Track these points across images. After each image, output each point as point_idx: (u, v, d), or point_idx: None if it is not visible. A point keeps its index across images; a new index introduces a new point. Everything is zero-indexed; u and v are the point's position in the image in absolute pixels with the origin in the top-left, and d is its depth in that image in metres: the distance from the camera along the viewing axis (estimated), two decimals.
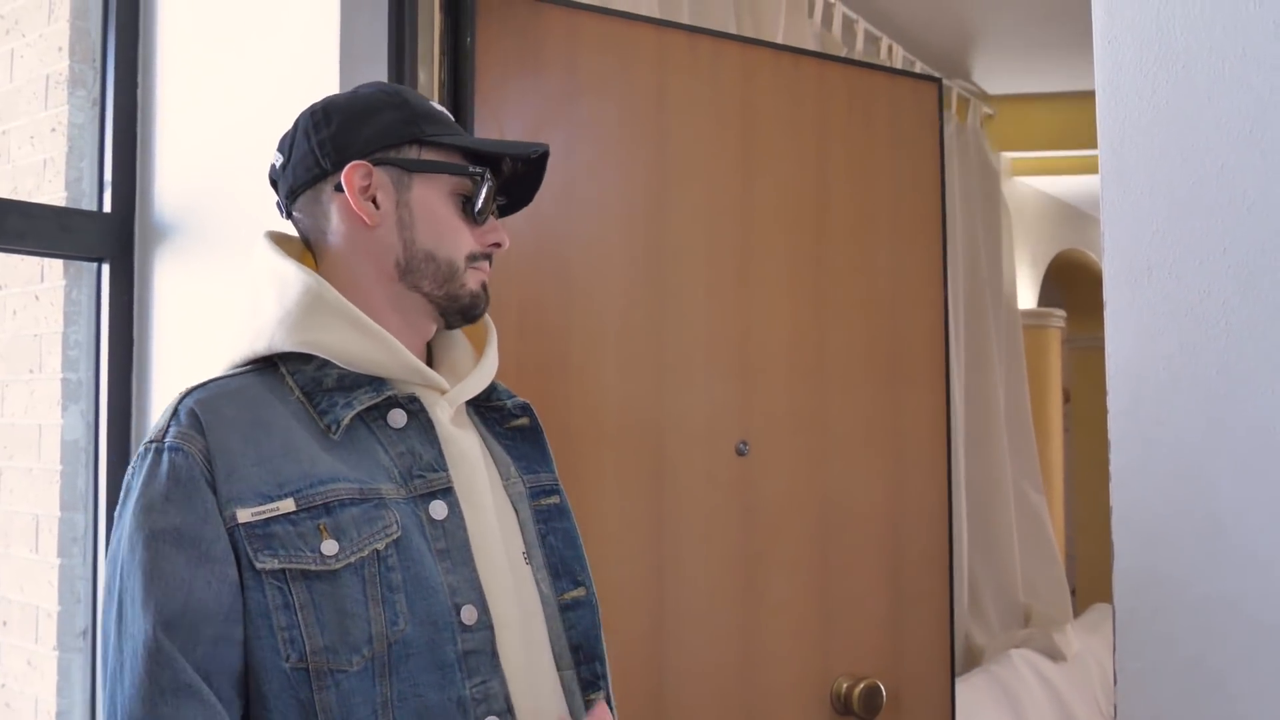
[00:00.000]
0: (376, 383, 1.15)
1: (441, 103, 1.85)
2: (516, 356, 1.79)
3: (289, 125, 1.24)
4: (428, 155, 1.20)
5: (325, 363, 1.14)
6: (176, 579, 1.01)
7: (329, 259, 1.21)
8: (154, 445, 1.07)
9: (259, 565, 1.03)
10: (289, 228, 1.28)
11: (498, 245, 1.24)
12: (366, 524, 1.07)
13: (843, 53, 3.44)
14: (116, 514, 1.08)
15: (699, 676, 1.99)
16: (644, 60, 2.01)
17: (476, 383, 1.24)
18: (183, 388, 1.13)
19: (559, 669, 1.20)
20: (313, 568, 1.04)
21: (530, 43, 1.90)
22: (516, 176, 1.29)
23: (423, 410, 1.17)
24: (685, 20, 2.61)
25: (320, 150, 1.19)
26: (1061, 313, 5.34)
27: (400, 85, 1.26)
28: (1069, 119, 4.42)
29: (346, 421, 1.12)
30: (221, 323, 1.86)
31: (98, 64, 1.98)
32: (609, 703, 1.22)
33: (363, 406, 1.13)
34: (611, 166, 1.96)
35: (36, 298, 2.01)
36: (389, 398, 1.15)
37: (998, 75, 4.36)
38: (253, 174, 1.84)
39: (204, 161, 1.91)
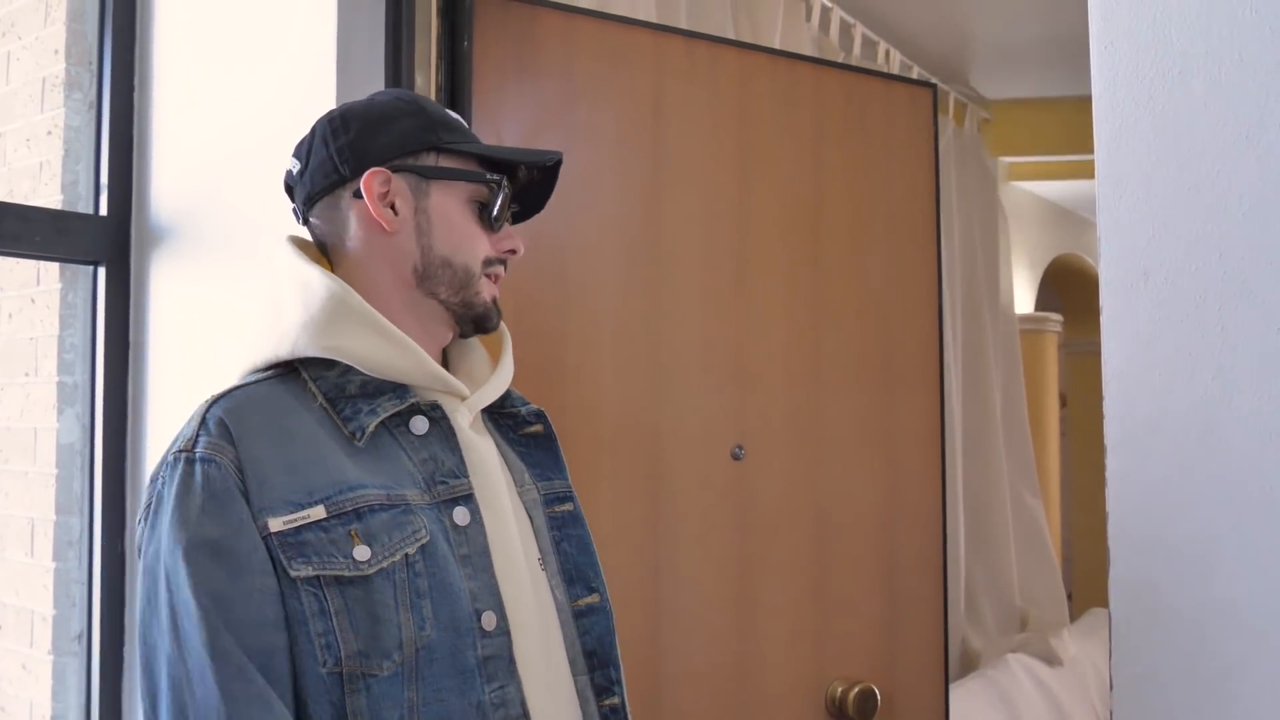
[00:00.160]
0: (399, 389, 1.16)
1: None
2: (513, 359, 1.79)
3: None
4: (445, 162, 1.21)
5: (348, 369, 1.15)
6: (221, 592, 1.02)
7: (346, 265, 1.21)
8: (184, 455, 1.08)
9: (293, 573, 1.04)
10: (294, 231, 1.28)
11: (513, 251, 1.25)
12: (396, 529, 1.08)
13: (840, 57, 3.44)
14: (147, 522, 1.08)
15: (694, 680, 1.99)
16: (640, 65, 2.01)
17: (494, 390, 1.25)
18: (208, 395, 1.14)
19: (574, 674, 1.21)
20: (346, 573, 1.05)
21: (527, 47, 1.90)
22: (530, 183, 1.30)
23: (444, 417, 1.17)
24: (683, 24, 2.61)
25: (339, 157, 1.19)
26: (1058, 317, 5.35)
27: (415, 93, 1.26)
28: (1066, 124, 4.43)
29: (371, 428, 1.13)
30: (218, 326, 1.86)
31: (94, 67, 1.98)
32: (624, 709, 1.23)
33: (387, 414, 1.14)
34: (608, 170, 1.96)
35: (32, 301, 2.00)
36: (412, 404, 1.16)
37: (995, 80, 4.37)
38: (249, 177, 1.84)
39: (200, 165, 1.91)
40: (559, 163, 1.27)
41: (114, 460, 1.92)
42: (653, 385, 1.98)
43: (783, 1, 3.05)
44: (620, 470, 1.94)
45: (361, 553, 1.06)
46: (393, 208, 1.19)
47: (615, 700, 1.22)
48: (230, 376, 1.20)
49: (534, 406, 1.30)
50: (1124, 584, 1.30)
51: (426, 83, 1.88)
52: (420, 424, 1.16)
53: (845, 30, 3.51)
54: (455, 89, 1.84)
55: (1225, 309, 1.24)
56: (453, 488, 1.15)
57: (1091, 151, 1.35)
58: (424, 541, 1.09)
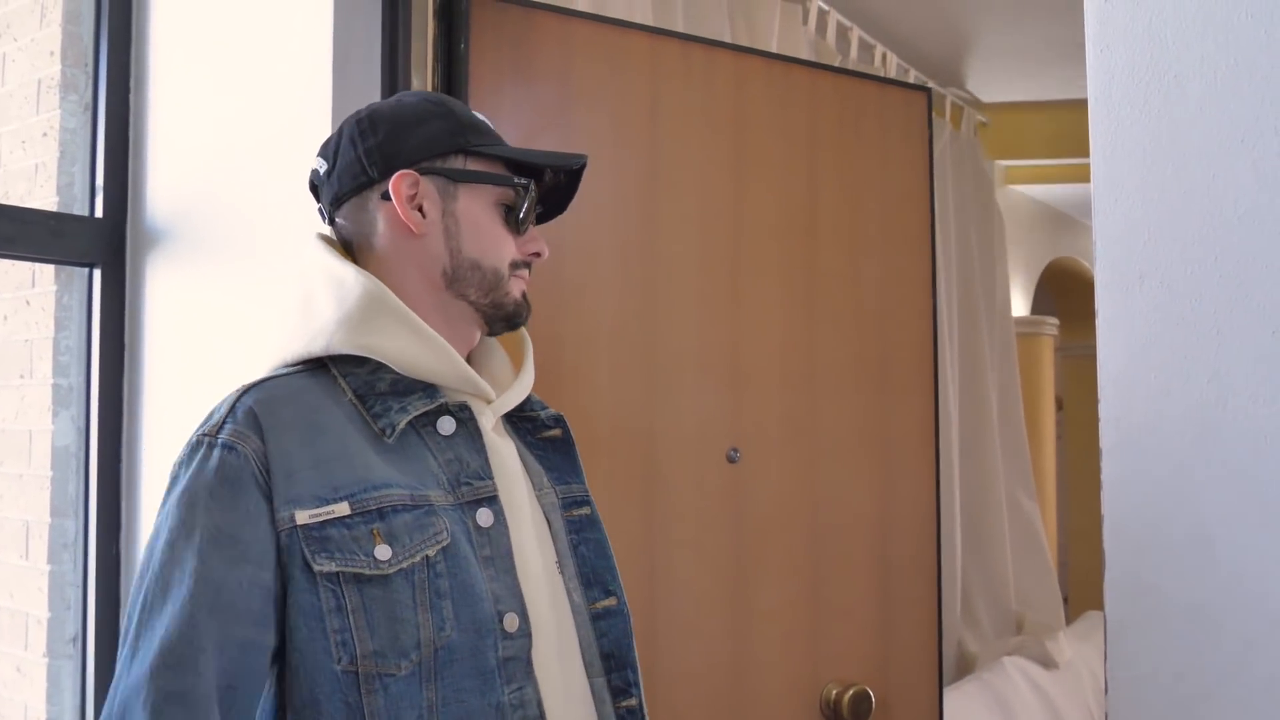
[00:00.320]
0: (429, 389, 1.17)
1: None
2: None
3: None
4: (473, 165, 1.22)
5: (379, 366, 1.16)
6: (210, 577, 1.02)
7: (374, 266, 1.21)
8: (206, 439, 1.08)
9: (316, 567, 1.04)
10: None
11: (538, 254, 1.26)
12: (418, 530, 1.09)
13: (837, 61, 3.44)
14: (162, 501, 1.09)
15: (689, 682, 1.99)
16: (636, 68, 2.01)
17: (517, 394, 1.26)
18: (241, 383, 1.14)
19: (590, 676, 1.21)
20: (366, 572, 1.05)
21: (523, 49, 1.90)
22: (555, 186, 1.31)
23: (472, 419, 1.18)
24: (679, 27, 2.61)
25: (367, 158, 1.20)
26: (1055, 320, 5.35)
27: (443, 94, 1.27)
28: (1063, 127, 4.43)
29: (402, 426, 1.13)
30: (214, 328, 1.86)
31: (90, 68, 1.98)
32: (641, 710, 1.23)
33: (418, 412, 1.14)
34: (604, 173, 1.96)
35: (27, 303, 2.00)
36: (441, 405, 1.16)
37: (992, 83, 4.37)
38: (245, 179, 1.84)
39: (196, 167, 1.91)
40: (584, 166, 1.28)
41: (109, 463, 1.92)
42: (648, 388, 1.98)
43: (779, 4, 3.05)
44: (616, 472, 1.94)
45: (382, 552, 1.06)
46: (420, 210, 1.19)
47: (633, 702, 1.22)
48: (244, 374, 1.20)
49: (553, 411, 1.31)
50: (1119, 586, 1.30)
51: (423, 85, 1.88)
52: (447, 424, 1.17)
53: (842, 33, 3.52)
54: (451, 91, 1.84)
55: (1221, 312, 1.24)
56: (477, 489, 1.15)
57: (1088, 155, 1.35)
58: (445, 544, 1.09)
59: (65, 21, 1.97)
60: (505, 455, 1.20)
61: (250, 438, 1.07)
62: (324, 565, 1.04)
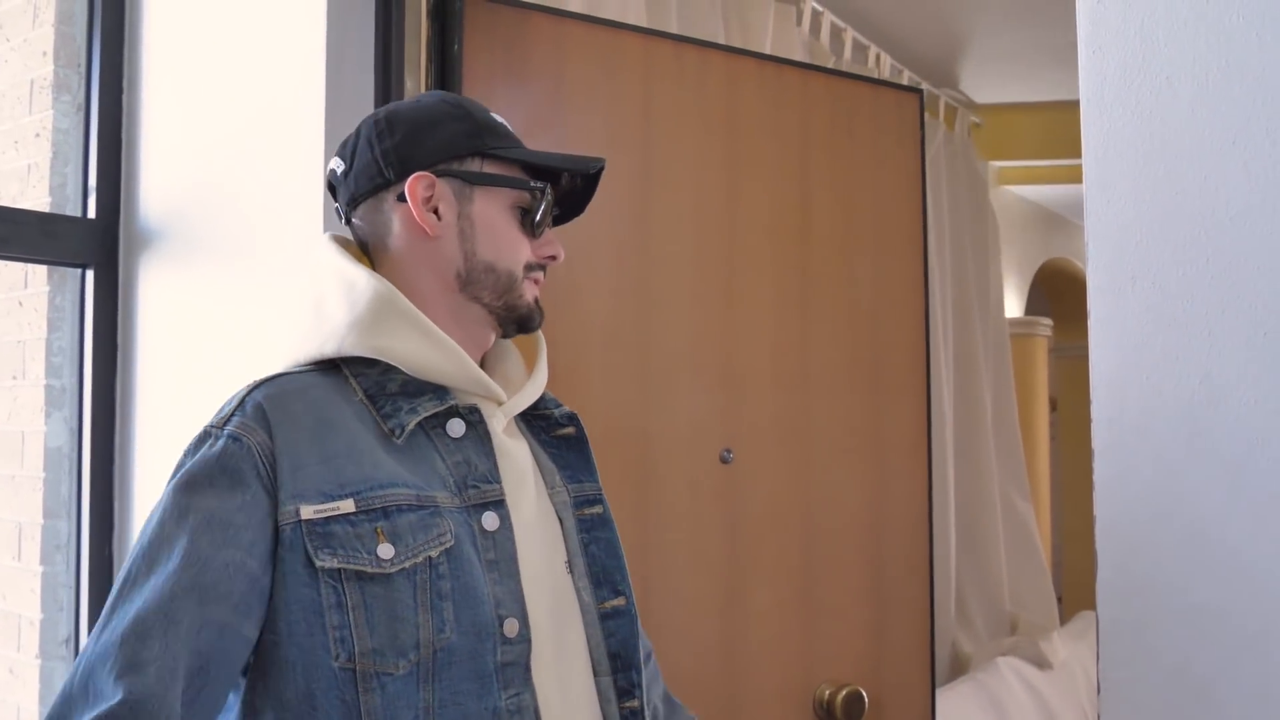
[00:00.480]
0: (440, 391, 1.17)
1: None
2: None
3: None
4: (490, 168, 1.21)
5: (389, 368, 1.16)
6: (196, 556, 1.02)
7: (388, 266, 1.21)
8: (214, 430, 1.09)
9: (319, 563, 1.04)
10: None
11: (554, 257, 1.26)
12: (422, 531, 1.09)
13: (831, 62, 3.44)
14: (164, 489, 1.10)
15: (682, 682, 1.98)
16: (630, 69, 2.01)
17: (529, 395, 1.26)
18: (252, 379, 1.15)
19: (596, 675, 1.21)
20: (368, 570, 1.05)
21: (517, 51, 1.90)
22: (572, 188, 1.31)
23: (481, 421, 1.18)
24: (673, 28, 2.62)
25: (384, 160, 1.20)
26: (1048, 321, 5.36)
27: (462, 96, 1.27)
28: (1056, 128, 4.44)
29: (411, 427, 1.13)
30: (207, 329, 1.85)
31: (83, 69, 1.98)
32: (643, 712, 1.23)
33: (427, 414, 1.14)
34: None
35: (20, 304, 2.00)
36: (451, 406, 1.16)
37: (985, 84, 4.38)
38: (238, 180, 1.84)
39: (189, 167, 1.91)
40: (601, 169, 1.28)
41: (102, 464, 1.92)
42: (641, 389, 1.98)
43: (773, 6, 3.05)
44: (609, 473, 1.92)
45: (385, 551, 1.06)
46: (436, 212, 1.19)
47: (635, 703, 1.22)
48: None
49: (567, 409, 1.31)
50: (1112, 587, 1.30)
51: (416, 86, 1.88)
52: (457, 427, 1.17)
53: (836, 34, 3.52)
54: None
55: (1212, 314, 1.24)
56: (484, 492, 1.15)
57: (1081, 156, 1.35)
58: (448, 545, 1.09)
59: (58, 22, 1.97)
60: (515, 457, 1.20)
61: (256, 431, 1.08)
62: (326, 561, 1.04)
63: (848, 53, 3.53)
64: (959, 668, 3.99)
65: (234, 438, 1.07)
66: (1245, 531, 1.21)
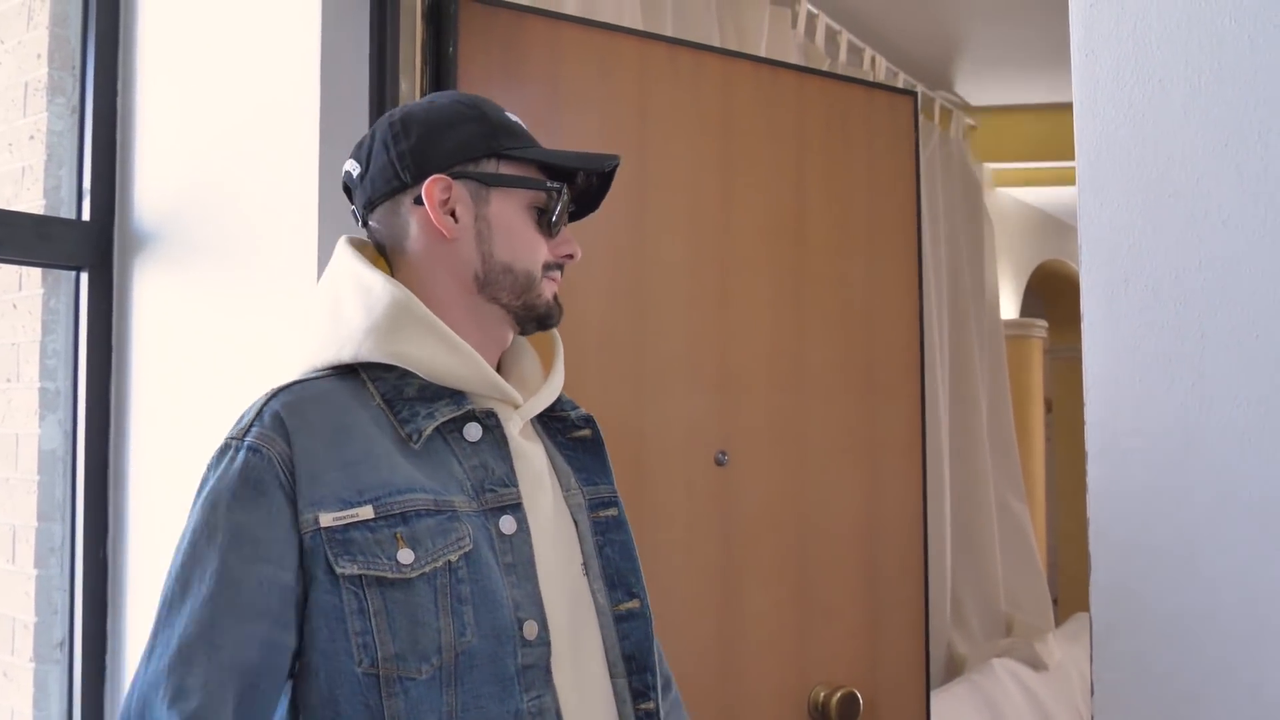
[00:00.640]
0: (456, 395, 1.17)
1: None
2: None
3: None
4: (505, 170, 1.21)
5: (406, 372, 1.16)
6: (230, 575, 1.03)
7: (406, 269, 1.22)
8: (234, 443, 1.09)
9: (339, 570, 1.05)
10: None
11: (570, 256, 1.26)
12: (440, 535, 1.09)
13: (826, 64, 3.44)
14: (191, 506, 1.10)
15: (677, 684, 1.98)
16: (625, 71, 2.01)
17: (545, 398, 1.26)
18: (269, 387, 1.15)
19: (612, 677, 1.22)
20: (389, 575, 1.06)
21: (512, 53, 1.90)
22: (587, 187, 1.31)
23: (498, 425, 1.18)
24: (669, 31, 2.62)
25: (400, 162, 1.19)
26: (1043, 323, 5.37)
27: (476, 95, 1.26)
28: (1051, 131, 4.45)
29: (428, 432, 1.13)
30: (201, 331, 1.85)
31: (77, 71, 1.98)
32: (659, 714, 1.23)
33: (444, 419, 1.15)
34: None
35: (14, 306, 2.00)
36: (468, 411, 1.16)
37: (980, 87, 4.38)
38: (233, 182, 1.84)
39: (184, 170, 1.91)
40: (616, 167, 1.27)
41: (96, 466, 1.91)
42: (636, 390, 1.98)
43: (768, 8, 3.06)
44: None
45: (405, 556, 1.07)
46: (453, 215, 1.19)
47: (650, 705, 1.23)
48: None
49: (583, 411, 1.31)
50: (1105, 589, 1.30)
51: (411, 88, 1.88)
52: (474, 431, 1.17)
53: (831, 36, 3.52)
54: None
55: (1205, 316, 1.25)
56: (501, 496, 1.15)
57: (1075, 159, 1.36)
58: (467, 549, 1.10)
59: (52, 24, 1.96)
60: (532, 460, 1.20)
61: (276, 441, 1.08)
62: (346, 568, 1.05)
63: (843, 55, 3.54)
64: (954, 669, 3.99)
65: (254, 449, 1.08)
66: (1238, 534, 1.21)
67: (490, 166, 1.21)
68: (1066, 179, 4.64)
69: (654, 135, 2.03)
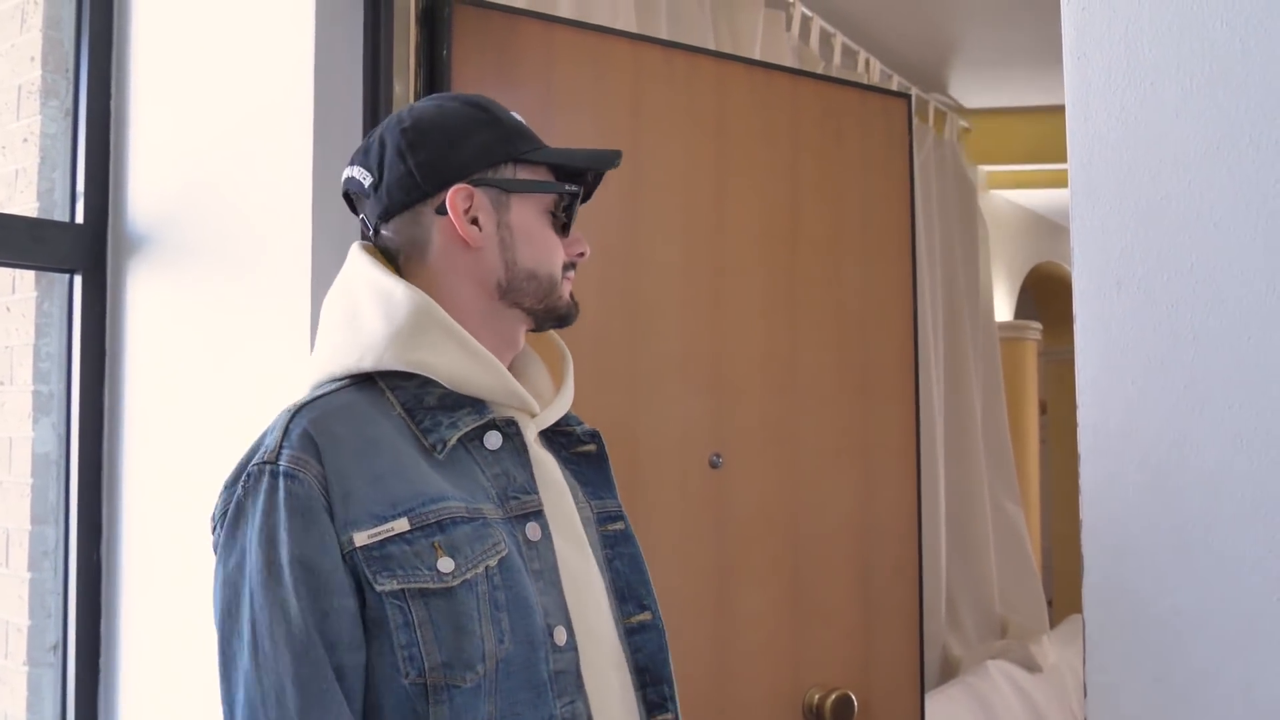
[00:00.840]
0: (477, 404, 1.16)
1: None
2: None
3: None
4: (523, 174, 1.21)
5: (427, 380, 1.15)
6: (305, 611, 1.02)
7: (425, 277, 1.20)
8: (269, 467, 1.06)
9: (379, 587, 1.04)
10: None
11: (582, 254, 1.26)
12: (478, 541, 1.09)
13: (820, 67, 3.45)
14: (223, 530, 1.08)
15: None
16: (619, 74, 2.01)
17: (558, 409, 1.26)
18: (294, 402, 1.12)
19: None
20: (431, 586, 1.05)
21: (507, 55, 1.90)
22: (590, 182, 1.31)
23: (518, 433, 1.18)
24: (663, 33, 2.62)
25: (420, 172, 1.17)
26: (1038, 325, 5.37)
27: (482, 97, 1.25)
28: (1044, 133, 4.45)
29: (453, 442, 1.13)
30: (195, 334, 1.85)
31: (71, 74, 1.97)
32: None
33: (468, 428, 1.14)
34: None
35: (8, 309, 1.99)
36: (490, 420, 1.16)
37: (974, 89, 4.39)
38: (227, 185, 1.84)
39: (177, 173, 1.91)
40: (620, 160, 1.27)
41: (90, 470, 1.91)
42: (630, 393, 1.98)
43: (763, 11, 3.06)
44: None
45: (445, 564, 1.06)
46: (476, 223, 1.18)
47: (669, 716, 1.22)
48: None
49: (588, 426, 1.31)
50: (1098, 591, 1.31)
51: (405, 90, 1.88)
52: (494, 439, 1.16)
53: (825, 39, 3.52)
54: None
55: (1197, 318, 1.25)
56: (524, 503, 1.15)
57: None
58: (503, 554, 1.10)
59: (46, 27, 1.96)
60: (550, 468, 1.20)
61: (310, 463, 1.06)
62: (385, 584, 1.04)
63: (837, 58, 3.54)
64: (949, 671, 3.99)
65: (291, 475, 1.05)
66: (1230, 535, 1.22)
67: (508, 172, 1.20)
68: (1061, 181, 4.62)
69: (648, 138, 2.03)
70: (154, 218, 1.92)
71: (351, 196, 1.25)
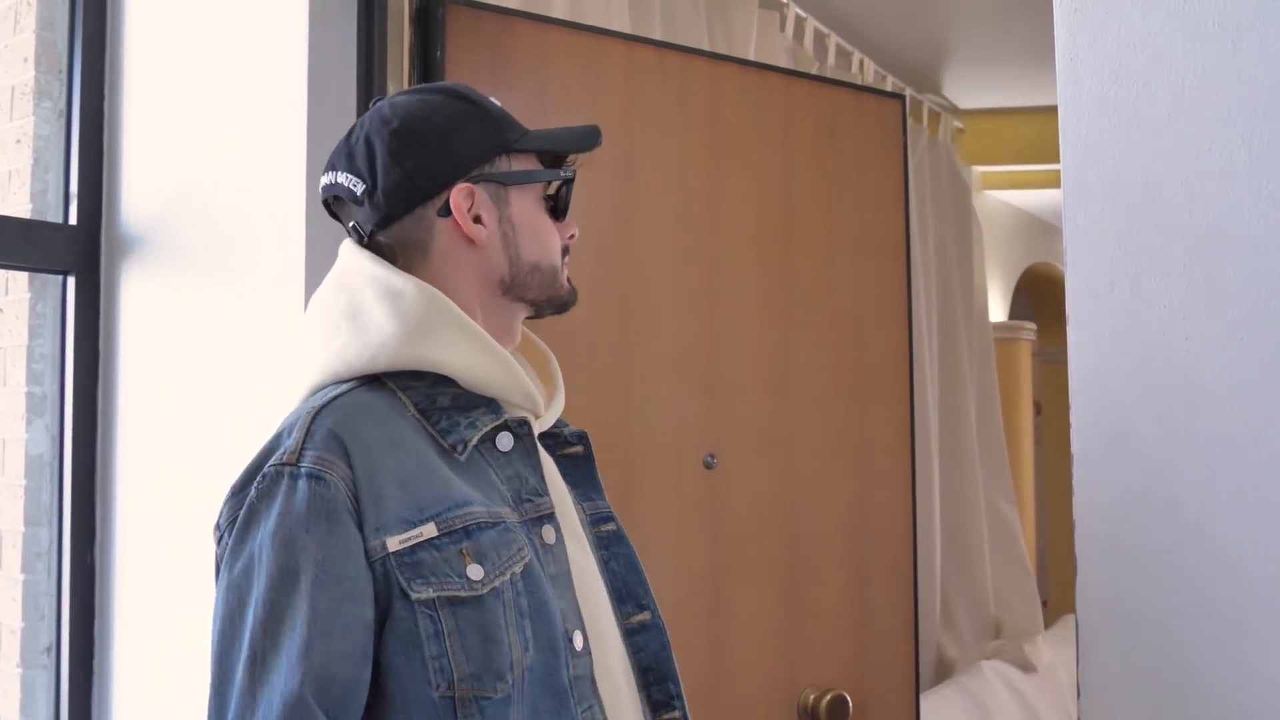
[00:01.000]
0: (491, 405, 1.14)
1: None
2: None
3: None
4: (517, 164, 1.20)
5: (439, 380, 1.12)
6: (321, 621, 0.98)
7: (425, 277, 1.16)
8: (288, 469, 1.02)
9: (414, 595, 1.01)
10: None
11: (573, 237, 1.26)
12: (504, 547, 1.06)
13: (814, 67, 3.45)
14: (232, 537, 1.03)
15: None
16: (613, 74, 2.01)
17: (555, 412, 1.24)
18: (310, 403, 1.09)
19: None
20: (461, 594, 1.02)
21: (500, 56, 1.90)
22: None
23: (529, 434, 1.16)
24: (657, 34, 2.62)
25: (419, 176, 1.15)
26: (1032, 325, 5.38)
27: (463, 86, 1.23)
28: (1038, 133, 4.45)
29: (473, 443, 1.10)
30: (188, 336, 1.85)
31: (64, 75, 1.97)
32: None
33: (486, 429, 1.11)
34: (580, 178, 1.96)
35: (1, 310, 1.99)
36: (504, 421, 1.14)
37: (968, 89, 4.39)
38: (221, 186, 1.84)
39: (171, 174, 1.90)
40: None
41: (83, 471, 1.91)
42: (625, 394, 1.98)
43: (757, 11, 3.06)
44: None
45: (475, 572, 1.03)
46: (479, 220, 1.17)
47: (676, 714, 1.21)
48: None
49: (576, 428, 1.29)
50: (1091, 591, 1.31)
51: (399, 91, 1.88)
52: (506, 440, 1.14)
53: (819, 40, 3.53)
54: None
55: (1189, 319, 1.25)
56: (538, 506, 1.13)
57: None
58: (527, 559, 1.07)
59: (39, 28, 1.96)
60: (552, 470, 1.19)
61: (337, 465, 1.02)
62: (421, 591, 1.01)
63: (831, 58, 3.54)
64: (944, 671, 3.99)
65: (316, 477, 1.01)
66: (1223, 536, 1.22)
67: (503, 164, 1.19)
68: (1055, 182, 4.62)
69: (642, 138, 2.03)
70: (147, 219, 1.92)
71: (335, 203, 1.22)
